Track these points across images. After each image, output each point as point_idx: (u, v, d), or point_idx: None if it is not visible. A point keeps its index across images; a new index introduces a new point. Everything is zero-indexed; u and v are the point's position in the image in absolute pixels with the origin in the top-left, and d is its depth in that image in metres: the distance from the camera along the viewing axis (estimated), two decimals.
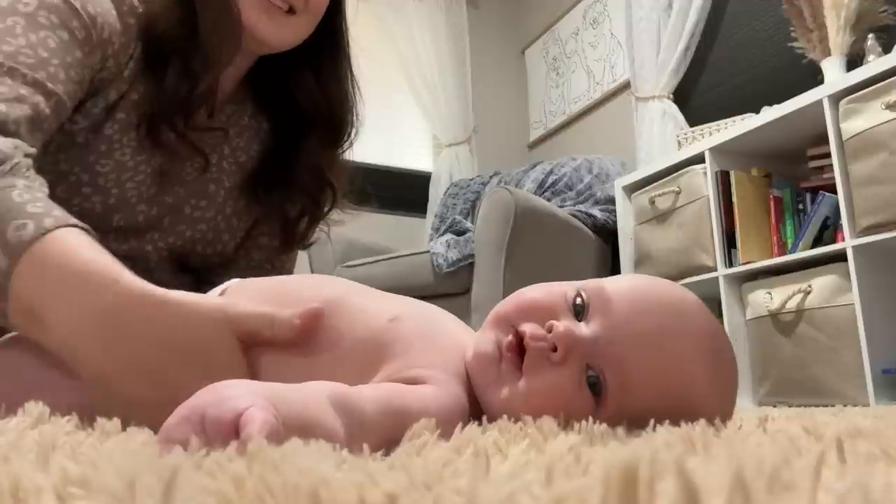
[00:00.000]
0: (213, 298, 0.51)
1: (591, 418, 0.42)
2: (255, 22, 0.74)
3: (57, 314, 0.48)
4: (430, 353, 0.48)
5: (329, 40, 0.85)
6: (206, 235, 0.85)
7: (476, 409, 0.48)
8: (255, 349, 0.50)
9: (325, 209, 0.89)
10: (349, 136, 0.89)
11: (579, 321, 0.47)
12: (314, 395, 0.36)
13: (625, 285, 0.48)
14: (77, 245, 0.50)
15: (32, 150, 0.59)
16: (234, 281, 0.60)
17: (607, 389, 0.45)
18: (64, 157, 0.72)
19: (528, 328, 0.46)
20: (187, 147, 0.76)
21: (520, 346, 0.46)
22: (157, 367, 0.47)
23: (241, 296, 0.55)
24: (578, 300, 0.47)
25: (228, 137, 0.84)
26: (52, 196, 0.56)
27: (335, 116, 0.87)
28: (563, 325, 0.45)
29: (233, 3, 0.73)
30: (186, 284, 0.82)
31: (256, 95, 0.88)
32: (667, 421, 0.43)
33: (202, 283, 0.84)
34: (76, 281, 0.48)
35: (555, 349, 0.44)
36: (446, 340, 0.51)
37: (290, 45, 0.80)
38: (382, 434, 0.38)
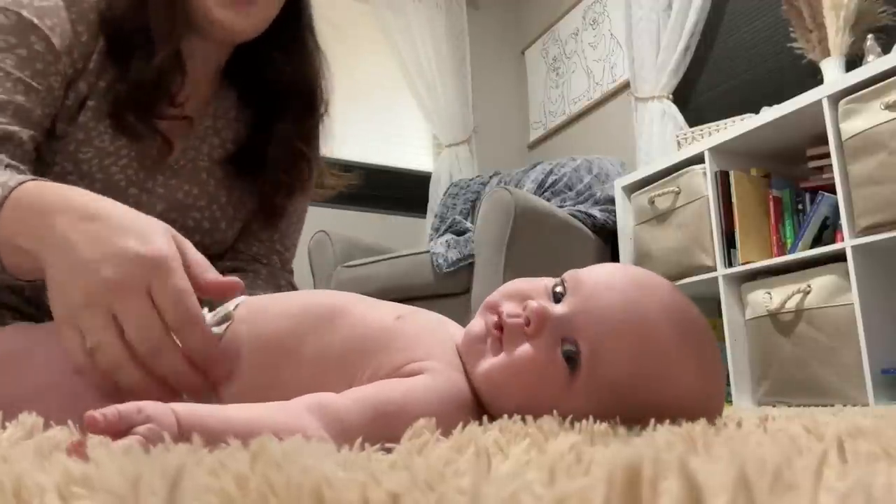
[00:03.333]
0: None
1: (591, 418, 0.42)
2: (219, 14, 0.76)
3: (38, 233, 0.55)
4: (432, 345, 0.51)
5: (292, 15, 0.87)
6: (202, 224, 0.87)
7: (479, 401, 0.50)
8: (276, 349, 0.53)
9: (305, 179, 0.92)
10: (323, 106, 0.92)
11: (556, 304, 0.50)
12: (287, 407, 0.39)
13: (596, 269, 0.52)
14: (44, 185, 0.59)
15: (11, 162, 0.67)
16: (242, 298, 0.61)
17: (580, 358, 0.47)
18: (46, 150, 0.76)
19: (506, 308, 0.50)
20: (149, 131, 0.79)
21: (503, 326, 0.50)
22: (104, 237, 0.52)
23: (256, 314, 0.57)
24: (558, 288, 0.51)
25: (217, 130, 0.87)
26: None
27: (305, 90, 0.90)
28: (537, 302, 0.49)
29: None
30: None
31: (239, 87, 0.90)
32: (647, 396, 0.46)
33: None
34: (47, 209, 0.56)
35: (528, 324, 0.48)
36: (446, 335, 0.54)
37: (258, 32, 0.81)
38: (371, 432, 0.38)
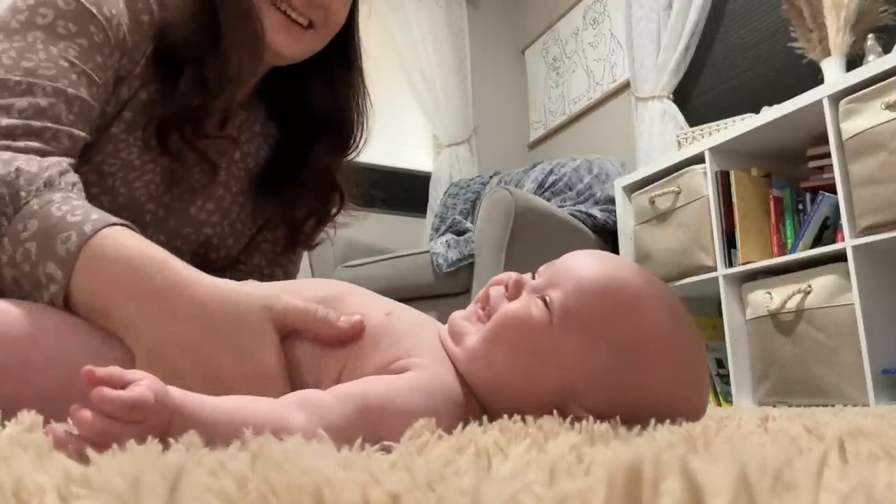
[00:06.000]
0: (260, 287, 0.54)
1: (588, 420, 0.42)
2: (273, 37, 0.76)
3: (114, 302, 0.53)
4: (420, 342, 0.53)
5: (342, 51, 0.87)
6: (212, 240, 0.85)
7: (471, 401, 0.51)
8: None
9: (333, 211, 0.91)
10: (357, 145, 0.91)
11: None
12: (273, 401, 0.41)
13: (572, 253, 0.58)
14: (123, 239, 0.55)
15: (69, 160, 0.62)
16: None
17: (554, 301, 0.51)
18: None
19: (492, 290, 0.56)
20: (195, 155, 0.77)
21: (489, 296, 0.55)
22: (194, 345, 0.51)
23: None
24: (537, 275, 0.56)
25: (239, 143, 0.85)
26: None
27: (345, 126, 0.89)
28: (517, 274, 0.55)
29: (257, 19, 0.74)
30: None
31: (268, 101, 0.89)
32: (625, 336, 0.50)
33: None
34: (128, 269, 0.53)
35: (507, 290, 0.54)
36: (433, 332, 0.56)
37: (303, 58, 0.81)
38: (356, 429, 0.39)
